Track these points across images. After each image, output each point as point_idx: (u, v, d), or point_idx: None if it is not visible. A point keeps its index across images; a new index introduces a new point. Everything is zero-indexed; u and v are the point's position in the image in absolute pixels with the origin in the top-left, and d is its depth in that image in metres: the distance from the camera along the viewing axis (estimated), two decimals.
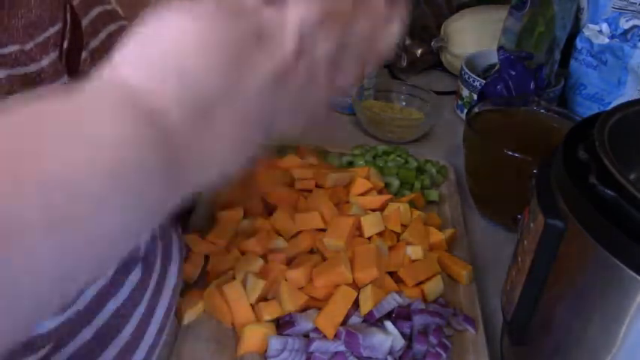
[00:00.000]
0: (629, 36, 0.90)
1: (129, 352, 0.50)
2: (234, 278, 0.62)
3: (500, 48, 0.91)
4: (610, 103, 0.94)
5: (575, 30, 0.99)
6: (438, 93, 1.03)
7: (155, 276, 0.54)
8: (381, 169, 0.81)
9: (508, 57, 0.89)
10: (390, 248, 0.67)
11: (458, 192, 0.82)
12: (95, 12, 0.44)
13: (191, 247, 0.65)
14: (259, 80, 0.32)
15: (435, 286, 0.64)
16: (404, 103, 1.01)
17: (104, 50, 0.49)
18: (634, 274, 0.40)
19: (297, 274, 0.61)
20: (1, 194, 0.22)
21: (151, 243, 0.53)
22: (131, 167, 0.27)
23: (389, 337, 0.56)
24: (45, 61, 0.38)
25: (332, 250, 0.65)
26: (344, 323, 0.58)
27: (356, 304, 0.60)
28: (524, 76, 0.88)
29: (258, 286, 0.60)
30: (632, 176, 0.52)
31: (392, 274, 0.65)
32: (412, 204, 0.75)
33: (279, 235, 0.67)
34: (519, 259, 0.51)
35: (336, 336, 0.57)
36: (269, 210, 0.71)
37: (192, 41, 0.30)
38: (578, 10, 0.99)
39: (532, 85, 0.87)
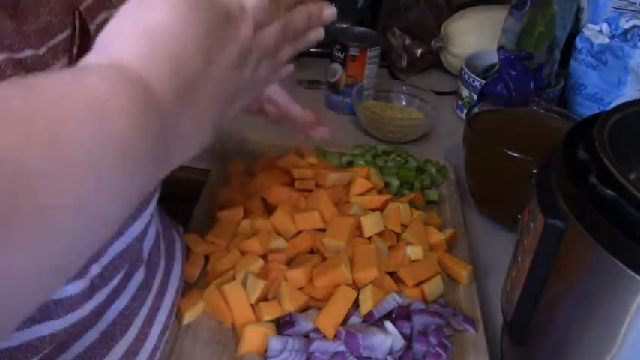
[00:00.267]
0: (629, 36, 0.90)
1: (133, 354, 0.50)
2: (234, 278, 0.62)
3: (500, 48, 0.91)
4: (610, 103, 0.94)
5: (575, 30, 0.99)
6: (438, 93, 1.03)
7: (159, 276, 0.54)
8: (381, 169, 0.81)
9: (508, 57, 0.89)
10: (390, 248, 0.67)
11: (458, 192, 0.82)
12: (101, 17, 0.44)
13: (191, 247, 0.65)
14: (229, 57, 0.36)
15: (435, 286, 0.64)
16: (404, 103, 1.01)
17: None
18: (634, 274, 0.40)
19: (297, 274, 0.61)
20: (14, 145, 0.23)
21: (154, 244, 0.53)
22: (133, 133, 0.28)
23: (389, 337, 0.56)
24: (57, 66, 0.39)
25: (332, 250, 0.65)
26: (344, 323, 0.58)
27: (356, 304, 0.60)
28: (524, 76, 0.88)
29: (258, 286, 0.60)
30: (632, 176, 0.52)
31: (392, 274, 0.65)
32: (412, 204, 0.75)
33: (279, 235, 0.67)
34: (519, 259, 0.51)
35: (336, 336, 0.57)
36: (269, 210, 0.71)
37: (176, 22, 0.33)
38: (578, 10, 0.99)
39: (532, 85, 0.87)
